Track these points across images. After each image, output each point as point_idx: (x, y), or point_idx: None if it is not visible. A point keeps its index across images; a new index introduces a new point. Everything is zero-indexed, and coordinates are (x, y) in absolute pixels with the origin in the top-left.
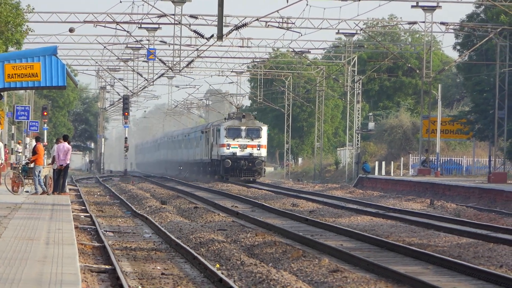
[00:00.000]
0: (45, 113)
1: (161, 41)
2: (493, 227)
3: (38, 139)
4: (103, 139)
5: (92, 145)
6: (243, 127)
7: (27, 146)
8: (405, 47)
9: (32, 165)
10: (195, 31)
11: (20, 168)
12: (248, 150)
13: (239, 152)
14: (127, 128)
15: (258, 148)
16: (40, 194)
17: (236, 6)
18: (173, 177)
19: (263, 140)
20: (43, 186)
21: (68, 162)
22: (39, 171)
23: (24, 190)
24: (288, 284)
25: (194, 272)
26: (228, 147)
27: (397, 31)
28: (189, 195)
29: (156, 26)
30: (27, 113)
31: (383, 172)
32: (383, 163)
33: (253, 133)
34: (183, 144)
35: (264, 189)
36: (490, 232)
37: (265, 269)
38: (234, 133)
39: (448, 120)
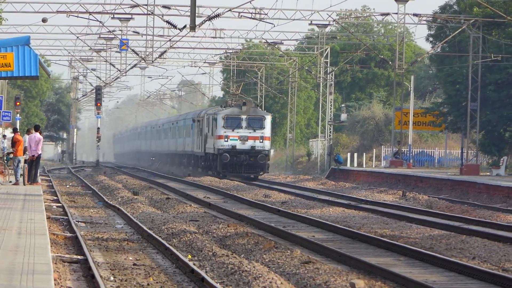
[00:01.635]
0: (18, 103)
1: (134, 32)
2: (466, 219)
3: (15, 130)
4: (75, 129)
5: (65, 135)
6: (243, 116)
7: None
8: (378, 39)
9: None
10: (168, 22)
11: (4, 158)
12: (249, 143)
13: (239, 145)
14: (99, 119)
15: (261, 140)
16: (13, 184)
17: None
18: (157, 171)
19: (267, 131)
20: (18, 177)
21: (40, 152)
22: (18, 161)
23: (9, 180)
24: (260, 275)
25: (166, 263)
26: (226, 139)
27: (370, 22)
28: (161, 186)
29: (129, 16)
30: (0, 103)
31: (355, 164)
32: (355, 154)
33: (256, 123)
34: (170, 133)
35: (236, 180)
36: (462, 224)
37: (237, 260)
38: (233, 122)
39: (421, 112)
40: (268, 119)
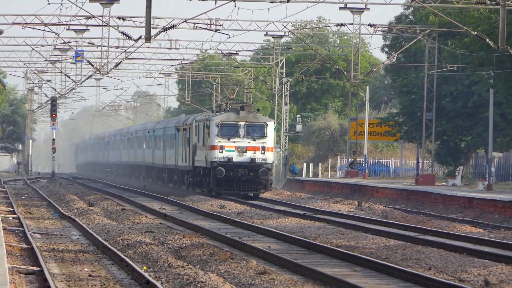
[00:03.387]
0: None
1: (89, 43)
2: (421, 229)
3: None
4: (31, 140)
5: (20, 146)
6: (241, 123)
7: None
8: (333, 49)
9: None
10: (123, 33)
11: None
12: (248, 154)
13: (236, 157)
14: (54, 130)
15: (263, 152)
16: None
17: (164, 8)
18: (131, 187)
19: (270, 140)
20: None
21: None
22: None
23: None
24: (216, 286)
25: (121, 274)
26: (221, 150)
27: (325, 33)
28: (116, 197)
29: (84, 28)
30: None
31: (311, 174)
32: (311, 165)
33: (256, 131)
34: (145, 143)
35: (158, 182)
36: (418, 234)
37: (193, 271)
38: (229, 130)
39: (376, 122)
40: (271, 126)
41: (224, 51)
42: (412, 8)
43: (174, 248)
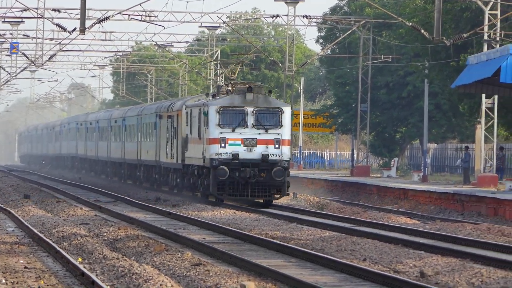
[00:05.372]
0: None
1: (24, 35)
2: (356, 220)
3: None
4: None
5: None
6: (249, 109)
7: None
8: (268, 41)
9: None
10: (57, 25)
11: None
12: (259, 149)
13: (243, 153)
14: None
15: (277, 146)
16: None
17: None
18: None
19: (286, 131)
20: None
21: None
22: None
23: None
24: (151, 277)
25: (56, 266)
26: (223, 144)
27: (260, 24)
28: (52, 189)
29: (19, 20)
30: None
31: None
32: None
33: (268, 119)
34: (112, 133)
35: (128, 182)
36: (353, 225)
37: (128, 263)
38: (234, 119)
39: (311, 113)
40: (287, 112)
41: (158, 43)
42: (346, 0)
43: (109, 240)
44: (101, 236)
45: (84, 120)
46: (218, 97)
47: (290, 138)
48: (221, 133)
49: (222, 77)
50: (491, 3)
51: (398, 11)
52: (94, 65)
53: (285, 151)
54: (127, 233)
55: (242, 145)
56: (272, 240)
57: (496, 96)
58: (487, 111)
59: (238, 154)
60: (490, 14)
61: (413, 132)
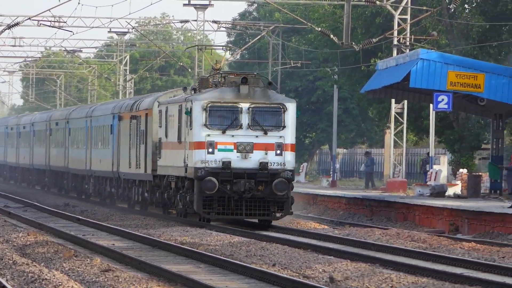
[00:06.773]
0: None
1: None
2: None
3: None
4: None
5: None
6: (244, 105)
7: None
8: (177, 46)
9: None
10: None
11: None
12: (256, 156)
13: (237, 161)
14: None
15: (279, 151)
16: None
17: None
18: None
19: (289, 133)
20: None
21: None
22: None
23: None
24: (60, 283)
25: None
26: (211, 150)
27: (169, 29)
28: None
29: None
30: None
31: None
32: None
33: (268, 118)
34: (54, 138)
35: (37, 189)
36: (262, 230)
37: (37, 268)
38: (224, 117)
39: None
40: (292, 109)
41: (67, 48)
42: (256, 5)
43: (18, 246)
44: (10, 242)
45: (16, 124)
46: (204, 91)
47: (295, 142)
48: (209, 135)
49: (131, 82)
50: (401, 8)
51: (308, 16)
52: (3, 70)
53: (289, 159)
54: (36, 239)
55: (235, 150)
56: (181, 246)
57: (405, 101)
58: (397, 116)
59: (230, 162)
60: (400, 18)
61: (323, 137)
